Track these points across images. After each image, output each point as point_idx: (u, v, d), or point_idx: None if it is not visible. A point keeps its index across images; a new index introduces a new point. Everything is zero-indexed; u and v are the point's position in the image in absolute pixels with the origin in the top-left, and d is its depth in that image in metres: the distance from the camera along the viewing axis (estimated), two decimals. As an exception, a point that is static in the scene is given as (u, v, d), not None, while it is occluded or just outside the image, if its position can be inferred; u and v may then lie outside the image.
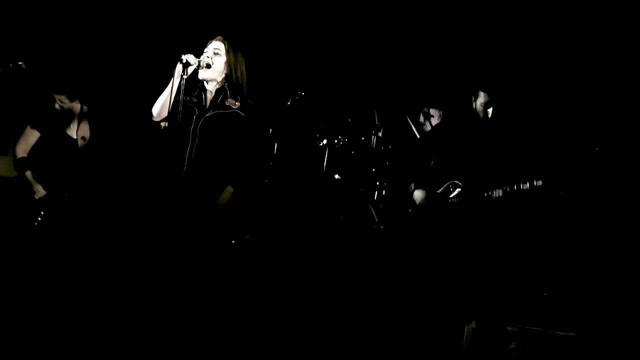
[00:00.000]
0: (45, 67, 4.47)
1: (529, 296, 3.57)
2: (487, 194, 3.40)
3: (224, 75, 3.11)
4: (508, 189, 3.36)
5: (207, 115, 3.04)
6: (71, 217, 3.89)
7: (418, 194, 3.75)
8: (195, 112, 3.05)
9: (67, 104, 3.92)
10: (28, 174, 3.82)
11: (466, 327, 2.90)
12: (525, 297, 3.54)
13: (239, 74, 3.12)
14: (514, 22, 4.66)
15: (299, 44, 5.26)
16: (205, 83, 3.12)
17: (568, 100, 4.28)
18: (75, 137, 3.94)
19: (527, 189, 3.26)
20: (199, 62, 2.97)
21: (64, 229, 3.86)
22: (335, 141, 4.78)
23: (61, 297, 3.38)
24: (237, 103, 3.06)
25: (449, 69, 5.14)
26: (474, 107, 3.81)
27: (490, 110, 3.74)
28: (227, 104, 3.06)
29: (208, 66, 3.01)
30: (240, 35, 3.68)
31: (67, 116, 3.96)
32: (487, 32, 4.83)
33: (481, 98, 3.74)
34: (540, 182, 3.22)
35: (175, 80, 2.88)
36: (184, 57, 2.86)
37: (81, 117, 3.98)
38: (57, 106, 3.91)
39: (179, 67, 2.84)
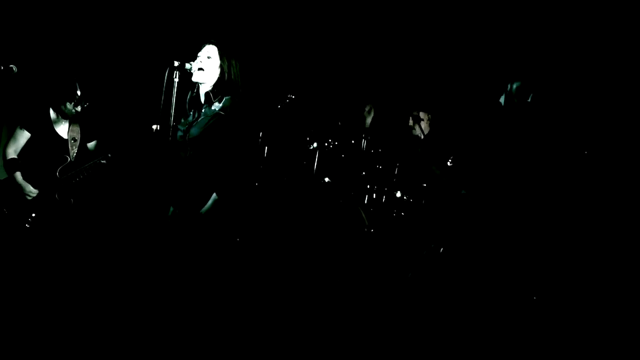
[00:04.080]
0: (40, 69, 4.47)
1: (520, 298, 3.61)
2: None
3: (216, 79, 3.13)
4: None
5: (195, 122, 3.08)
6: (63, 217, 3.89)
7: None
8: (184, 123, 3.10)
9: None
10: (17, 175, 3.81)
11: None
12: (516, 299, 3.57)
13: (232, 77, 3.13)
14: (502, 17, 4.69)
15: (289, 47, 5.29)
16: (199, 87, 3.14)
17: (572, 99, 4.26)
18: (66, 137, 3.95)
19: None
20: (191, 65, 3.01)
21: (55, 229, 3.86)
22: (325, 144, 4.81)
23: (52, 298, 3.38)
24: (220, 104, 3.07)
25: (441, 71, 5.18)
26: (507, 99, 3.61)
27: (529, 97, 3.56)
28: (212, 107, 3.08)
29: (200, 70, 3.04)
30: (233, 38, 3.70)
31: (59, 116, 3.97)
32: (480, 30, 4.85)
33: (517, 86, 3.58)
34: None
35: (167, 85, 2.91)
36: (176, 62, 2.90)
37: (73, 117, 3.98)
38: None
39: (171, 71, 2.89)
